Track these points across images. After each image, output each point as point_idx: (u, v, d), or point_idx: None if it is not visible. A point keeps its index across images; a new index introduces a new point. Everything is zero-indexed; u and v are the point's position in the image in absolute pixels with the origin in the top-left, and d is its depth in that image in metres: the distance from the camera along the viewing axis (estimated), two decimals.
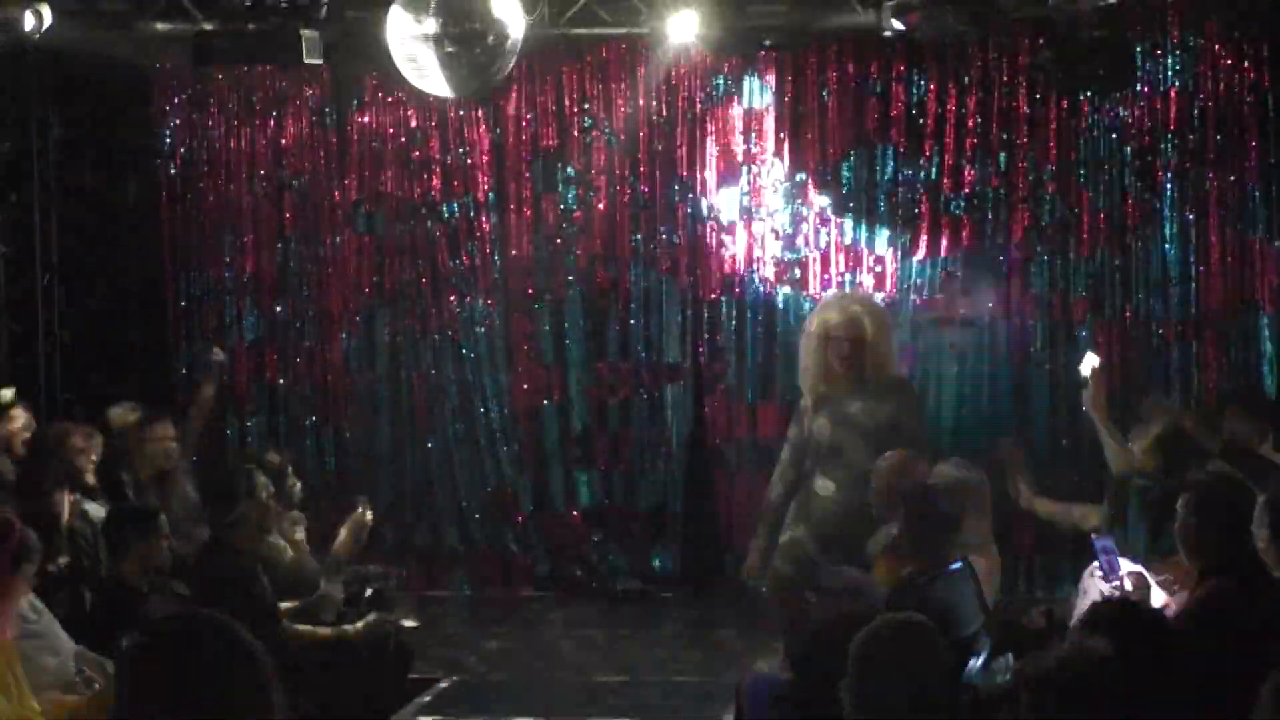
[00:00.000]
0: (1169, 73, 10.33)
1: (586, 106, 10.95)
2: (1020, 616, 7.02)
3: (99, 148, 11.12)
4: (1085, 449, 10.38)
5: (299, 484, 9.09)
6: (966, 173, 10.61)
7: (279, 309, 11.23)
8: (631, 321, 11.01)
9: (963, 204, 10.65)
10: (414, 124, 11.05)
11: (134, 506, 7.79)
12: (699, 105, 10.86)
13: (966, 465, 7.18)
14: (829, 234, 10.78)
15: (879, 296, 10.50)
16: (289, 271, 11.24)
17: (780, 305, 10.83)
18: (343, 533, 7.96)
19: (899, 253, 10.68)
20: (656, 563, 11.03)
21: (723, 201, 10.87)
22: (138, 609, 6.38)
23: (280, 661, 2.88)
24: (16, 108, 10.66)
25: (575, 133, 10.98)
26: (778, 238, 10.83)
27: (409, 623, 8.18)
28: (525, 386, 11.10)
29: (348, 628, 7.60)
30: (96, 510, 7.79)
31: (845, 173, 10.75)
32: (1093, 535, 6.60)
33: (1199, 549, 5.39)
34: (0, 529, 5.71)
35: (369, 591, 8.05)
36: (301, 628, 7.33)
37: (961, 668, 5.34)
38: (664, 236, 10.98)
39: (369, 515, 8.17)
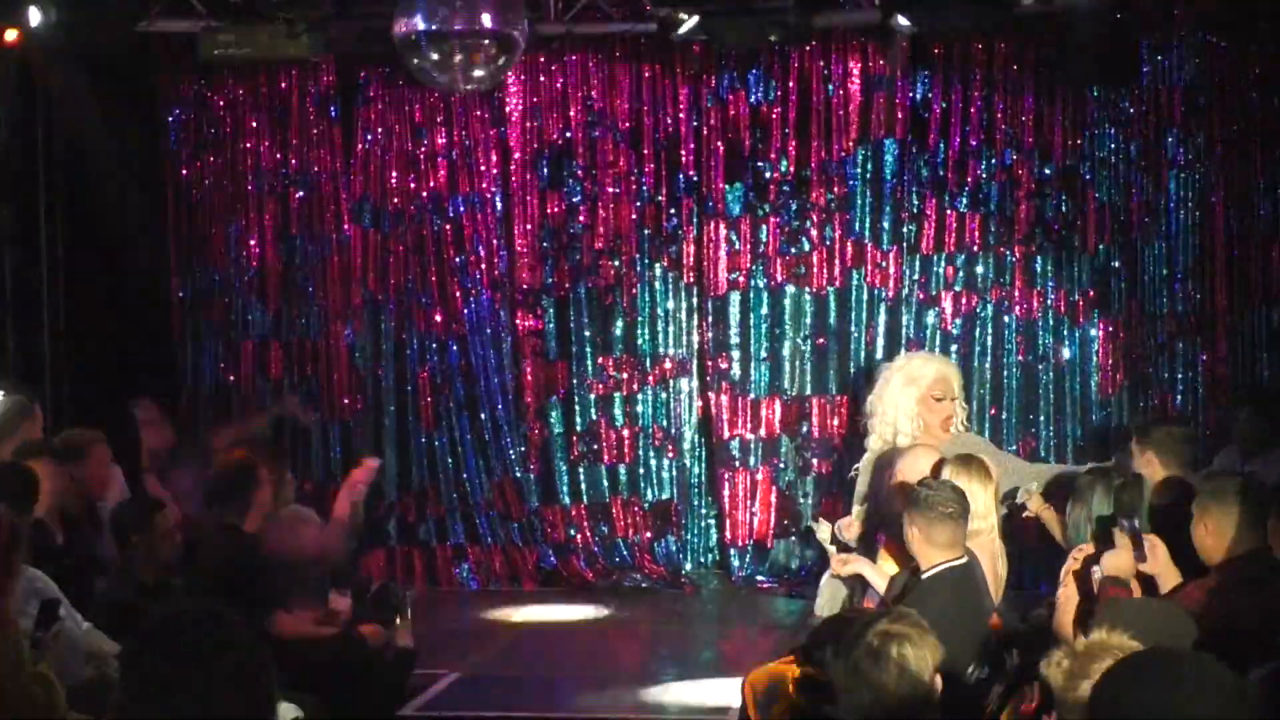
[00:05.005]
0: (1174, 68, 10.31)
1: (592, 102, 10.95)
2: (1025, 613, 7.07)
3: (103, 145, 11.09)
4: (1086, 445, 10.42)
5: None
6: (971, 168, 10.61)
7: (284, 305, 11.24)
8: (637, 317, 11.01)
9: (967, 200, 10.64)
10: (419, 119, 11.05)
11: (138, 501, 7.76)
12: (704, 101, 10.86)
13: (973, 459, 7.16)
14: (834, 229, 10.78)
15: (884, 292, 10.58)
16: (294, 268, 11.25)
17: (786, 300, 10.84)
18: (340, 497, 7.92)
19: (904, 248, 10.68)
20: (661, 558, 11.02)
21: (728, 197, 10.88)
22: (143, 603, 6.38)
23: (274, 650, 2.86)
24: (20, 105, 10.64)
25: (580, 128, 10.98)
26: (783, 233, 10.83)
27: (403, 642, 8.07)
28: (530, 381, 11.10)
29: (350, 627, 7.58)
30: None
31: (850, 168, 10.74)
32: None
33: (1214, 543, 5.39)
34: None
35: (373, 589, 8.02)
36: (302, 620, 7.30)
37: (960, 662, 5.35)
38: (669, 232, 11.00)
39: (369, 468, 8.13)
